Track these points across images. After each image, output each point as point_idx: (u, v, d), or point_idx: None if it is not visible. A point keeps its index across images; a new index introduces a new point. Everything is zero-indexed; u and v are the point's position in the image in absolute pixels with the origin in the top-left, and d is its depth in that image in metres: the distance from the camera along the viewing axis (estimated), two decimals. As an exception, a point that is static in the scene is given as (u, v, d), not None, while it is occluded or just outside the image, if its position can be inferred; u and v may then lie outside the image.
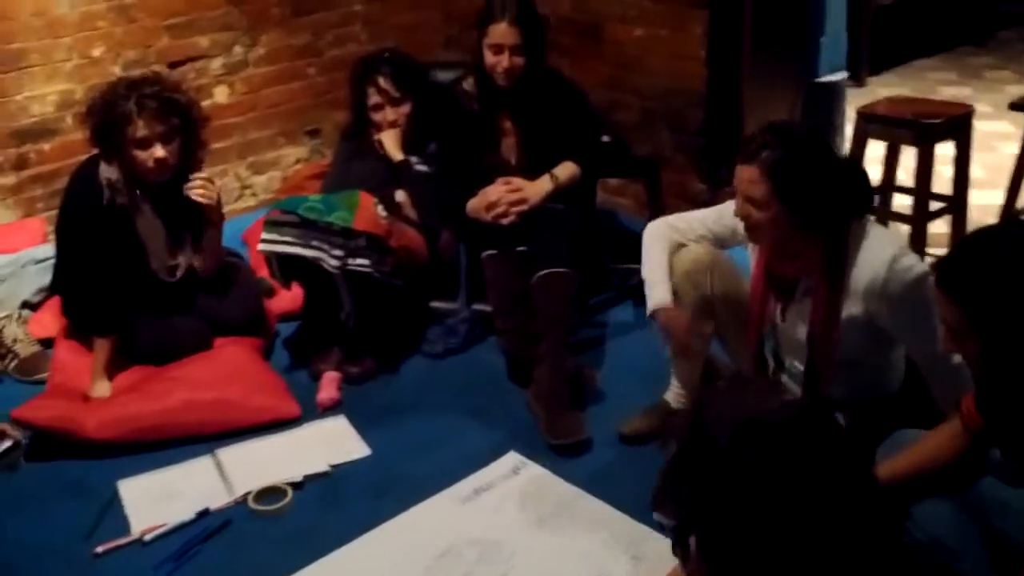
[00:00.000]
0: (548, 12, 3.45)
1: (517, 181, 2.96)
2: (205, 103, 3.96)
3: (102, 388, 2.81)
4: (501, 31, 2.90)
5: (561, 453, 2.57)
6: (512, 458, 2.57)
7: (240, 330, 3.02)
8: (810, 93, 4.24)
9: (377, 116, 3.36)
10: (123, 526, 2.39)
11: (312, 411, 2.81)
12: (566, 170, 3.01)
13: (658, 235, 2.46)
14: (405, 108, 3.36)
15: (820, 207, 2.10)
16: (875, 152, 3.59)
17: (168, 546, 2.32)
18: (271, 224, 2.81)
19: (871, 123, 3.44)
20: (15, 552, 2.35)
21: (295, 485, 2.50)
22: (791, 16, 3.87)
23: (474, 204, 2.96)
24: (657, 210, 3.35)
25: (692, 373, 2.54)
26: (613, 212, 3.99)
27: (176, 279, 2.91)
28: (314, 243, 2.81)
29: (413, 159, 3.31)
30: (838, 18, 4.33)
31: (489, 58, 2.94)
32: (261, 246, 2.79)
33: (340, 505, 2.45)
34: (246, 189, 4.23)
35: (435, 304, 3.25)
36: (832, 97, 4.37)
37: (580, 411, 2.71)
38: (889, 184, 3.62)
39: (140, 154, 2.70)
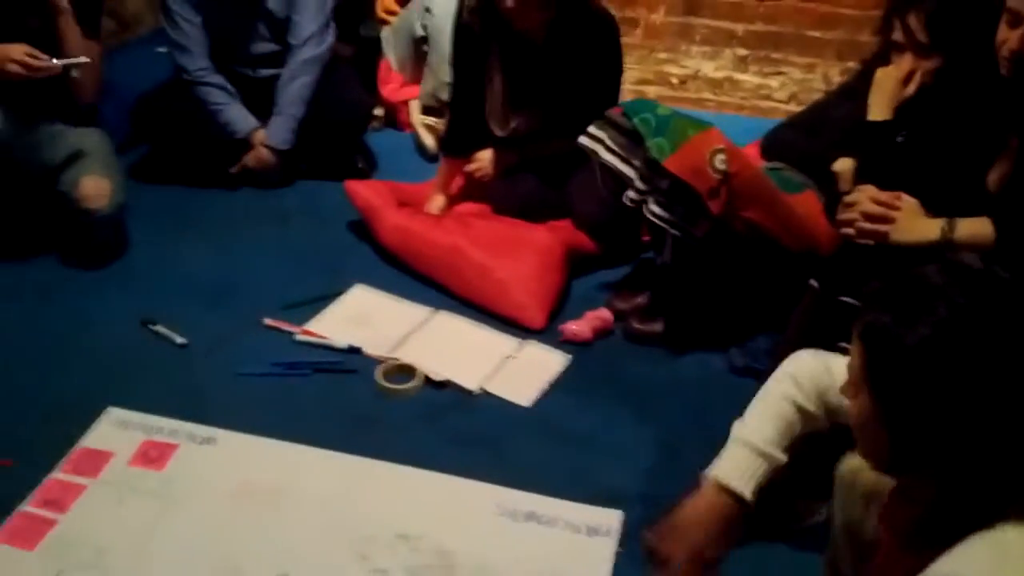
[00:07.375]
0: None
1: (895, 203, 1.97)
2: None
3: (435, 204, 2.84)
4: None
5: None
6: (613, 517, 1.94)
7: (584, 227, 2.70)
8: None
9: (894, 56, 2.48)
10: (308, 317, 2.49)
11: (555, 334, 2.47)
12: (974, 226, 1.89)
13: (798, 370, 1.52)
14: (930, 63, 2.39)
15: (931, 433, 1.12)
16: None
17: (304, 355, 2.38)
18: (604, 120, 2.37)
19: None
20: (241, 274, 2.67)
21: (435, 383, 2.30)
22: None
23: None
24: None
25: None
26: None
27: (503, 136, 2.69)
28: (635, 162, 2.32)
29: (900, 136, 2.40)
30: None
31: None
32: (581, 138, 2.39)
33: (432, 427, 2.19)
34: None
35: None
36: None
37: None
38: None
39: None
